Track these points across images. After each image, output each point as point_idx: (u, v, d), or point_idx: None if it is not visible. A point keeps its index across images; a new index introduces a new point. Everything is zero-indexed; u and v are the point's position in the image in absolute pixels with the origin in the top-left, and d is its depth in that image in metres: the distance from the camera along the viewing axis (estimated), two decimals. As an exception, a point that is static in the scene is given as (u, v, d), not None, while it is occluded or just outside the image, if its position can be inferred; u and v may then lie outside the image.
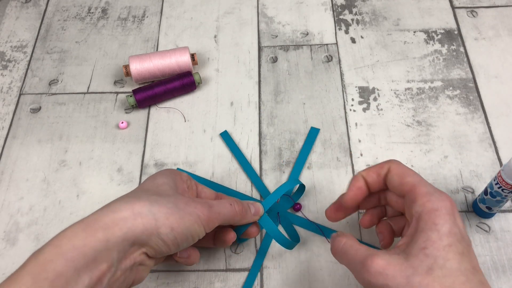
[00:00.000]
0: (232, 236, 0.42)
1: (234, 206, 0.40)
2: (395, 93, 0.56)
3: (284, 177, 0.51)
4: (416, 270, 0.32)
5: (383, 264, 0.33)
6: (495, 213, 0.46)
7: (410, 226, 0.35)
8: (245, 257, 0.46)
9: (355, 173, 0.50)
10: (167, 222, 0.35)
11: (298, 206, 0.48)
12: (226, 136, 0.53)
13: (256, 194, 0.50)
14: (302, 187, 0.48)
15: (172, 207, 0.36)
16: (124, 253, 0.34)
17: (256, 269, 0.45)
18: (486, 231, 0.47)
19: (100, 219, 0.34)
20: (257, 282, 0.44)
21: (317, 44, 0.61)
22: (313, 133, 0.53)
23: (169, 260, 0.41)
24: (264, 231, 0.47)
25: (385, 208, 0.43)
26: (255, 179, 0.50)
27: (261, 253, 0.46)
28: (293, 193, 0.49)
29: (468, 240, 0.34)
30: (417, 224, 0.34)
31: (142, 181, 0.51)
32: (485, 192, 0.44)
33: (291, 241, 0.44)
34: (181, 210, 0.36)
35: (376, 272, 0.33)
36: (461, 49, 0.60)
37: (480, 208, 0.46)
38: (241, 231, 0.43)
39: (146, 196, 0.36)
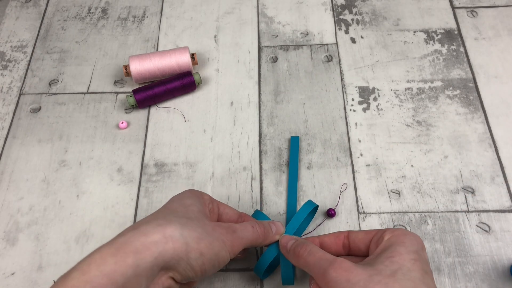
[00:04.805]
0: None
1: (256, 228, 0.40)
2: (395, 93, 0.56)
3: (284, 177, 0.51)
4: (380, 272, 0.32)
5: (347, 265, 0.33)
6: None
7: (377, 248, 0.36)
8: (245, 257, 0.46)
9: (355, 173, 0.50)
10: (197, 247, 0.34)
11: (332, 212, 0.47)
12: (295, 142, 0.52)
13: (257, 193, 0.50)
14: (315, 208, 0.45)
15: (202, 232, 0.35)
16: (153, 278, 0.33)
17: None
18: (486, 231, 0.47)
19: (131, 242, 0.32)
20: (257, 282, 0.45)
21: (317, 44, 0.61)
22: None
23: None
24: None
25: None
26: (292, 195, 0.49)
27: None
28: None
29: (432, 274, 0.34)
30: (385, 245, 0.35)
31: (141, 180, 0.51)
32: None
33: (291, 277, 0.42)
34: (209, 235, 0.36)
35: (340, 269, 0.33)
36: (461, 49, 0.60)
37: None
38: (267, 262, 0.41)
39: (176, 219, 0.35)
